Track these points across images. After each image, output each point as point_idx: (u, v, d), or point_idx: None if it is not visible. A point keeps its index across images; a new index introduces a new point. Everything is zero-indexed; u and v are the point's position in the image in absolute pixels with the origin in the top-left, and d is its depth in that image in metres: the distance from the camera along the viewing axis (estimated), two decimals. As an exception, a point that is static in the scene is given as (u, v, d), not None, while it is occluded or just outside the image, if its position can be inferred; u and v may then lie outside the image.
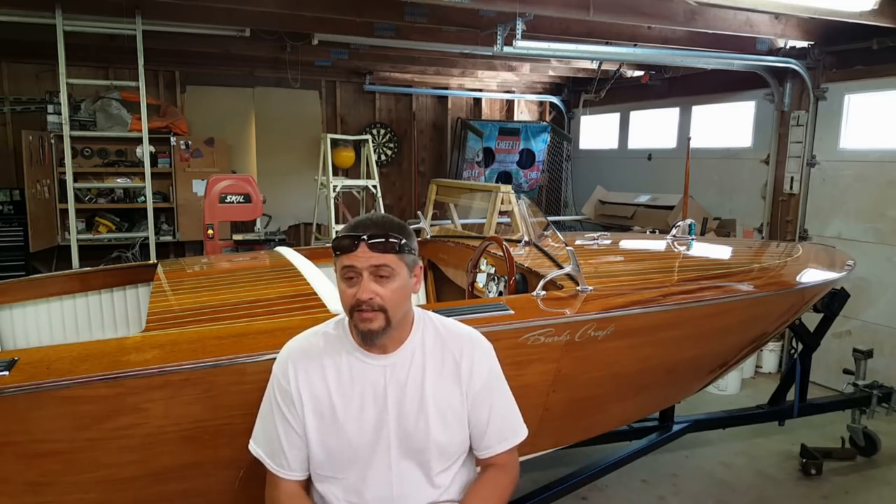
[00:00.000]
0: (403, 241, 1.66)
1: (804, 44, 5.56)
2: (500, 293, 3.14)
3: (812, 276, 3.58)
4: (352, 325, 1.72)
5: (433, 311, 1.96)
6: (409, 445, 1.73)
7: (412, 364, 1.75)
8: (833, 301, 4.01)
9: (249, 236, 5.38)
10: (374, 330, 1.65)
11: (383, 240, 1.63)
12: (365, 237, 1.62)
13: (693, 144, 5.68)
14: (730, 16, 4.84)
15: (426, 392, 1.73)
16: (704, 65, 5.74)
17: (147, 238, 5.52)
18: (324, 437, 1.71)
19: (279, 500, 1.75)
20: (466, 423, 1.79)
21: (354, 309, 1.65)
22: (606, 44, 5.34)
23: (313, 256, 3.22)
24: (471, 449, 1.85)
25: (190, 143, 6.83)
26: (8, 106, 6.66)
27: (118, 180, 6.55)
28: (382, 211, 6.82)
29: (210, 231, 5.16)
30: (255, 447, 1.78)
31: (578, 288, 2.69)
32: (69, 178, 5.10)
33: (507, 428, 1.83)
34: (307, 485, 1.82)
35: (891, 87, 5.20)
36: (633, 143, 8.07)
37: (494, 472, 1.83)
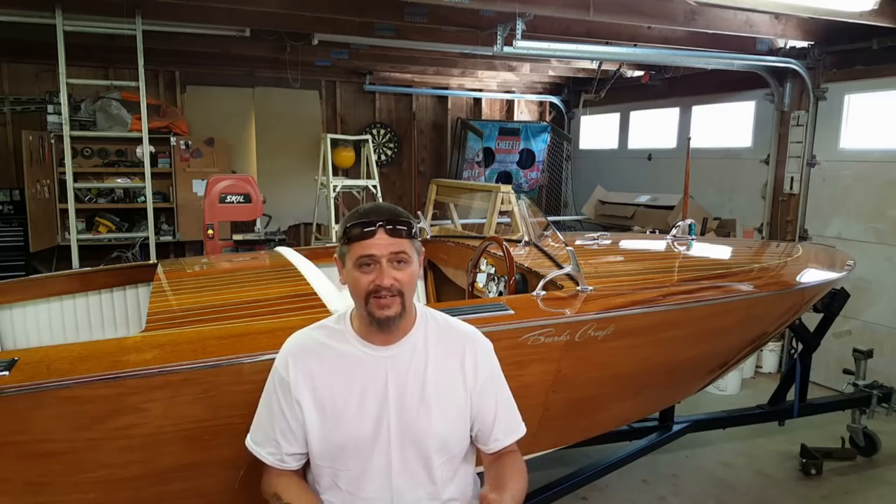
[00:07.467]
0: (414, 226, 1.71)
1: (804, 44, 5.56)
2: (500, 293, 3.13)
3: (812, 276, 3.58)
4: (363, 313, 1.71)
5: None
6: (410, 437, 1.73)
7: (414, 356, 1.75)
8: (833, 301, 4.01)
9: (249, 236, 5.37)
10: (392, 316, 1.67)
11: (400, 226, 1.66)
12: (383, 223, 1.65)
13: (693, 144, 5.67)
14: (730, 16, 4.84)
15: (428, 384, 1.74)
16: (704, 65, 5.74)
17: (147, 238, 5.52)
18: (325, 429, 1.71)
19: (275, 485, 1.75)
20: (468, 418, 1.80)
21: (372, 295, 1.66)
22: (606, 44, 5.34)
23: (313, 256, 3.21)
24: (470, 449, 1.86)
25: (190, 143, 6.83)
26: (8, 106, 6.66)
27: (118, 180, 6.55)
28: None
29: (210, 231, 5.15)
30: (250, 443, 1.78)
31: (578, 288, 2.70)
32: (69, 178, 5.10)
33: (513, 420, 1.86)
34: (305, 475, 1.82)
35: (891, 87, 5.20)
36: (633, 143, 8.07)
37: (511, 455, 1.85)
